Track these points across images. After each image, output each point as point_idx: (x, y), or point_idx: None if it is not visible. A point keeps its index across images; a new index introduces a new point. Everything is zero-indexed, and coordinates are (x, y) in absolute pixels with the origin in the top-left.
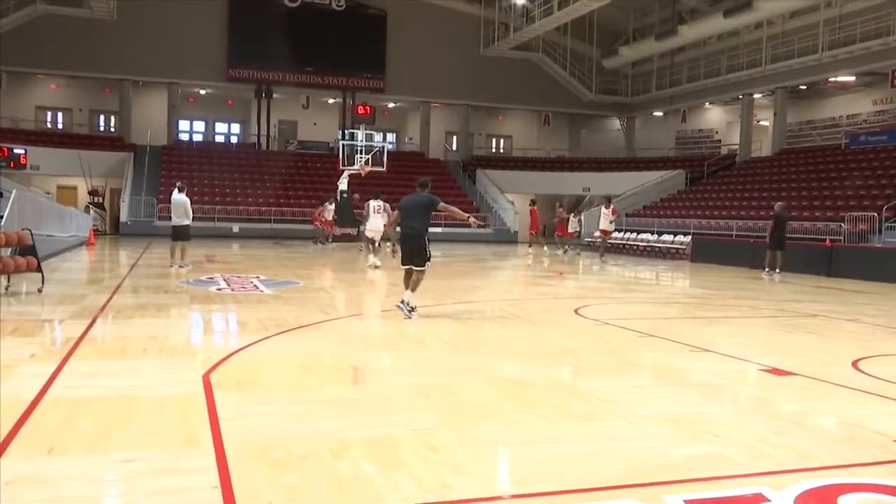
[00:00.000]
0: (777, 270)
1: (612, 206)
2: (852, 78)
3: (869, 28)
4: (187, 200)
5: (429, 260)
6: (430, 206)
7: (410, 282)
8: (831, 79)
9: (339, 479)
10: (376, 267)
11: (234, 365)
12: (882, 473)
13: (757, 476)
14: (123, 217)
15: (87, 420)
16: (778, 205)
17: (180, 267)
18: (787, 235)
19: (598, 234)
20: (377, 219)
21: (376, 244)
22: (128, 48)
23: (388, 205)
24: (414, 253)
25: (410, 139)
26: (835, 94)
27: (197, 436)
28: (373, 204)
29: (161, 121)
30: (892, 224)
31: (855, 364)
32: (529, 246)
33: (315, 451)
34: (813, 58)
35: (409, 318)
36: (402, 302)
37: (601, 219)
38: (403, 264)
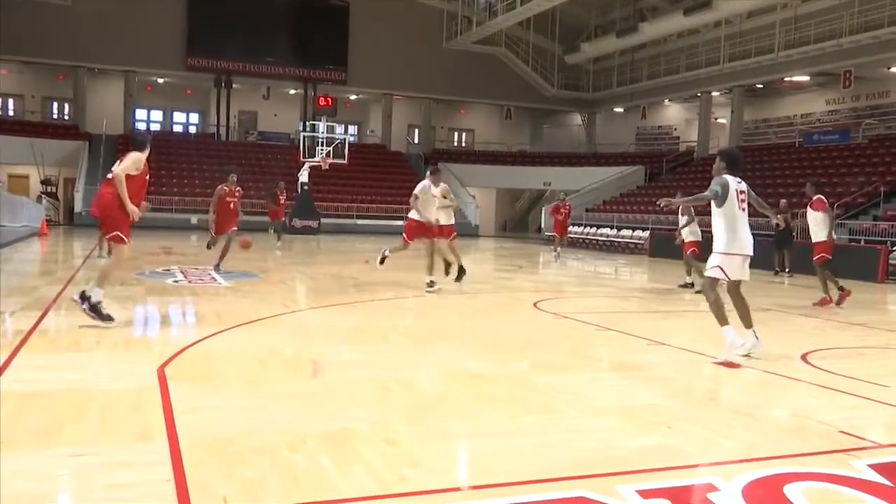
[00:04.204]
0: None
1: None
2: (807, 78)
3: (823, 30)
4: None
5: None
6: None
7: None
8: (787, 78)
9: (295, 473)
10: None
11: (190, 358)
12: (826, 463)
13: (708, 466)
14: (77, 207)
15: (37, 414)
16: (784, 202)
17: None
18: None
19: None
20: None
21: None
22: (83, 34)
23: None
24: None
25: (372, 132)
26: (790, 93)
27: (151, 429)
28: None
29: (117, 109)
30: (843, 221)
31: (805, 357)
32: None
33: (271, 444)
34: (769, 57)
35: None
36: None
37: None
38: None
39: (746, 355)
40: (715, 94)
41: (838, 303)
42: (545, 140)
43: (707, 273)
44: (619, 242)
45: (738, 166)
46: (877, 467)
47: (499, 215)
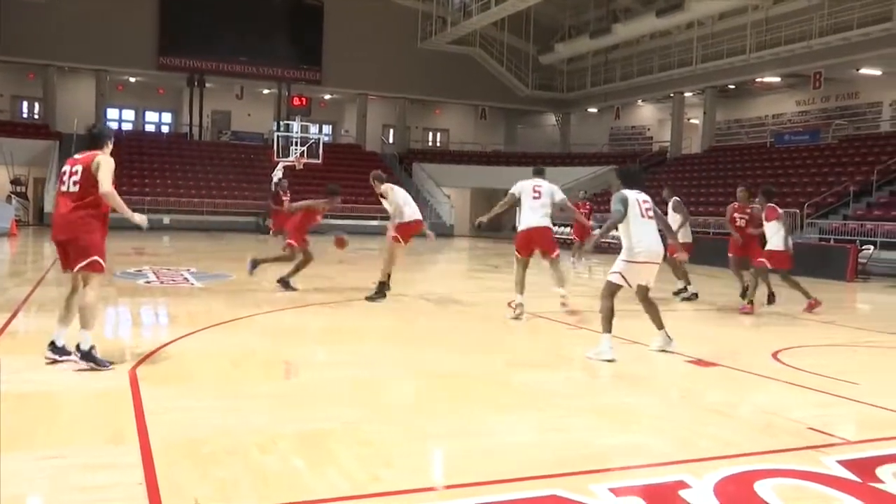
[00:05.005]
0: None
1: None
2: (778, 79)
3: (793, 31)
4: None
5: None
6: None
7: None
8: (758, 79)
9: (267, 474)
10: None
11: (162, 359)
12: (795, 459)
13: (680, 464)
14: (48, 207)
15: (8, 416)
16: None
17: None
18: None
19: None
20: None
21: None
22: (54, 32)
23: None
24: None
25: (347, 131)
26: (761, 94)
27: (122, 432)
28: None
29: (88, 108)
30: (813, 221)
31: (775, 355)
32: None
33: (244, 445)
34: (741, 58)
35: None
36: None
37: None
38: None
39: (662, 351)
40: (687, 94)
41: (758, 302)
42: (520, 140)
43: (608, 278)
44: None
45: (634, 180)
46: (846, 463)
47: (473, 215)
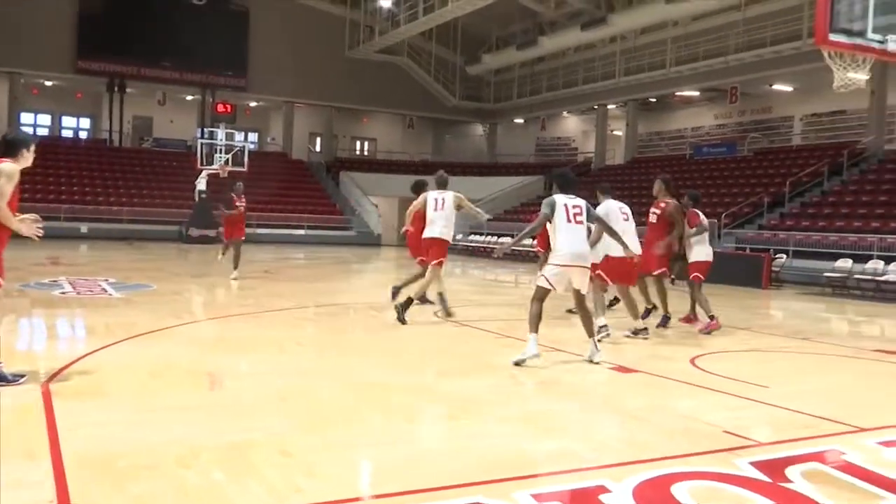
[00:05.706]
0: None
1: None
2: (696, 93)
3: (711, 47)
4: None
5: None
6: None
7: None
8: (678, 93)
9: (186, 489)
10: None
11: (78, 372)
12: (711, 462)
13: (600, 469)
14: None
15: None
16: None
17: None
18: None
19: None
20: None
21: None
22: None
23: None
24: None
25: (273, 139)
26: (681, 107)
27: (33, 448)
28: None
29: (0, 113)
30: (730, 230)
31: (693, 361)
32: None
33: (162, 460)
34: (661, 72)
35: None
36: None
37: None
38: None
39: (591, 362)
40: (611, 107)
41: (703, 329)
42: (447, 150)
43: (536, 282)
44: (519, 251)
45: (569, 185)
46: (757, 464)
47: (401, 224)
